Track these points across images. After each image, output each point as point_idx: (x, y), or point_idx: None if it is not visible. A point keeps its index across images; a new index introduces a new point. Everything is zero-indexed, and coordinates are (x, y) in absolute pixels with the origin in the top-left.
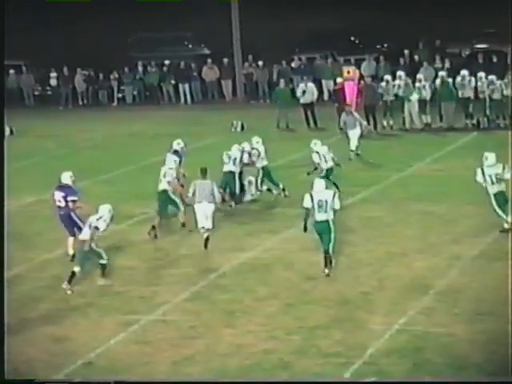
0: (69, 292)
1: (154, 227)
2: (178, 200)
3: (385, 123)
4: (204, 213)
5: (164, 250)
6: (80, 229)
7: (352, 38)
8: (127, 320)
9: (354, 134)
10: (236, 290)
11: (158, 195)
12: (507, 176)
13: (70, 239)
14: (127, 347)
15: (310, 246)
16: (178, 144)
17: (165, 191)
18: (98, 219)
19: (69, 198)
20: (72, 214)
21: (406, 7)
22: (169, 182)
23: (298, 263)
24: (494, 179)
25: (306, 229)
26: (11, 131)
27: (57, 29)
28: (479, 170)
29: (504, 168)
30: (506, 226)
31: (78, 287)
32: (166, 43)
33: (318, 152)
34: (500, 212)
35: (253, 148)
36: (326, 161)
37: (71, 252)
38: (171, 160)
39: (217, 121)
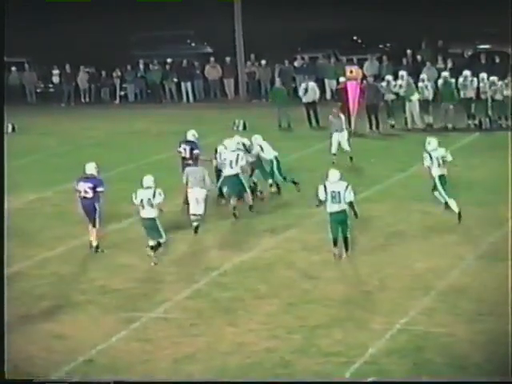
0: (154, 261)
1: (235, 212)
2: (246, 183)
3: (389, 123)
4: (196, 199)
5: (165, 247)
6: (100, 219)
7: (355, 38)
8: (128, 317)
9: (342, 137)
10: (237, 289)
11: (229, 179)
12: (450, 158)
13: (93, 230)
14: (128, 345)
15: (312, 246)
16: (193, 135)
17: (237, 175)
18: (153, 196)
19: (98, 189)
20: (96, 205)
21: (408, 7)
22: (242, 166)
23: (299, 262)
24: (441, 162)
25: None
26: (13, 128)
27: (58, 27)
28: (427, 155)
29: (446, 151)
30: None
31: (78, 285)
32: (168, 41)
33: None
34: (443, 193)
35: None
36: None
37: (95, 243)
38: (232, 145)
39: (219, 119)
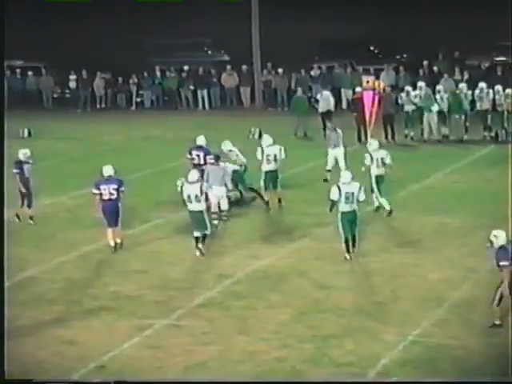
0: (198, 252)
1: (267, 202)
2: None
3: (406, 133)
4: (217, 196)
5: (178, 254)
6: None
7: (371, 48)
8: (141, 324)
9: (339, 153)
10: (250, 297)
11: (266, 174)
12: (388, 161)
13: (109, 231)
14: (140, 351)
15: (324, 255)
16: (203, 141)
17: (275, 171)
18: (200, 190)
19: (121, 189)
20: (119, 205)
21: (425, 18)
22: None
23: (311, 272)
24: (380, 162)
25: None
26: (29, 133)
27: (76, 32)
28: (368, 155)
29: (387, 154)
30: (376, 204)
31: (91, 290)
32: (184, 49)
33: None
34: (378, 193)
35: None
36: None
37: (112, 243)
38: (267, 141)
39: (234, 127)
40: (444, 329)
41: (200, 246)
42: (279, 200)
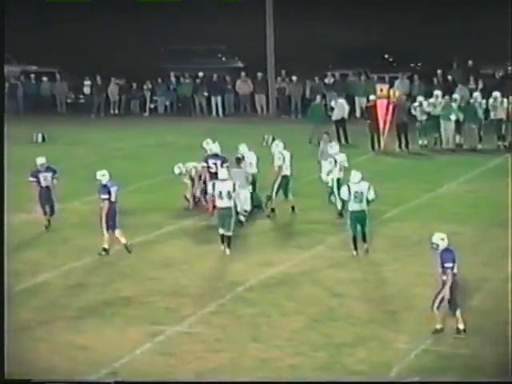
0: (223, 250)
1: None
2: None
3: (420, 143)
4: (240, 198)
5: (190, 261)
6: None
7: (386, 56)
8: (153, 330)
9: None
10: (262, 304)
11: (282, 178)
12: (347, 164)
13: (107, 234)
14: (152, 358)
15: (338, 263)
16: (207, 144)
17: (287, 176)
18: (233, 188)
19: (118, 192)
20: (117, 208)
21: (439, 27)
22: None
23: (325, 280)
24: (341, 166)
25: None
26: (43, 138)
27: (93, 38)
28: (332, 159)
29: (347, 158)
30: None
31: (103, 296)
32: (199, 55)
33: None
34: (336, 194)
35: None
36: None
37: (107, 246)
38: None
39: (248, 134)
40: (456, 338)
41: (225, 244)
42: (292, 208)
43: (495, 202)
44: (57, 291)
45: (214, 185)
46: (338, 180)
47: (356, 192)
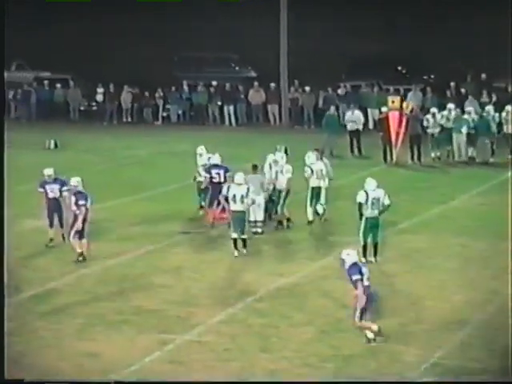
0: (236, 253)
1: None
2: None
3: (432, 155)
4: (254, 205)
5: (201, 271)
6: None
7: (399, 68)
8: (162, 339)
9: (323, 183)
10: (272, 315)
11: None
12: (325, 171)
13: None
14: (161, 366)
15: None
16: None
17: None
18: (247, 192)
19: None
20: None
21: (453, 40)
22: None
23: (334, 291)
24: (319, 174)
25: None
26: (55, 144)
27: (103, 46)
28: (308, 168)
29: (330, 165)
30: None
31: (113, 304)
32: (211, 64)
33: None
34: (308, 200)
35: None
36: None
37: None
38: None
39: (260, 144)
40: (466, 351)
41: (240, 247)
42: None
43: (507, 215)
44: (66, 298)
45: (228, 188)
46: (313, 188)
47: (373, 198)
